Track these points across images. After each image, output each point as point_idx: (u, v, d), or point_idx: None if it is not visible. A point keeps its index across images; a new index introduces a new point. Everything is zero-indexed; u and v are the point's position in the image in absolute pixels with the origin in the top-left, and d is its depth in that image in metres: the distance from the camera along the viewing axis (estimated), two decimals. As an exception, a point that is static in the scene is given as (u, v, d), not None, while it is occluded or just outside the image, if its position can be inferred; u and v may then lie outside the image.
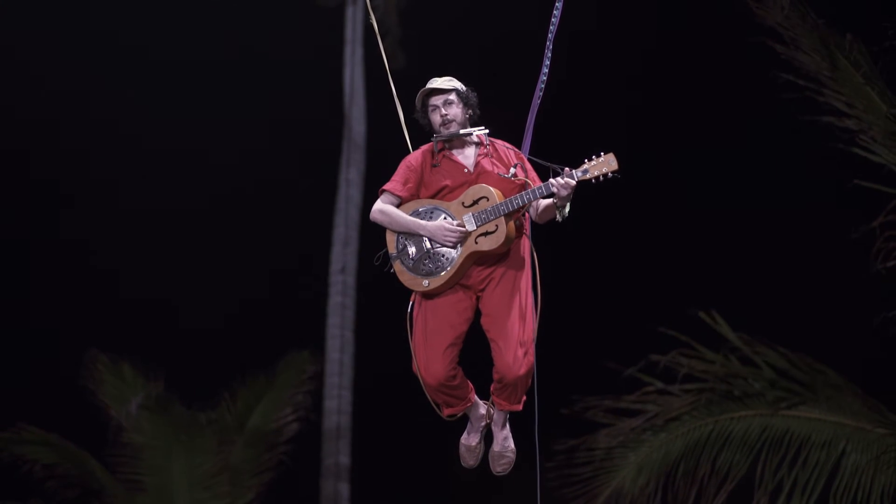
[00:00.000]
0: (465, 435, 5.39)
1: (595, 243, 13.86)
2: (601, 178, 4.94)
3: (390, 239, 5.14)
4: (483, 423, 5.33)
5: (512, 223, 5.02)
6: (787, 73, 8.47)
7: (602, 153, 4.96)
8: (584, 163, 4.96)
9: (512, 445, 5.33)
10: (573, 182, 4.92)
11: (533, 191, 4.97)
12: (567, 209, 5.01)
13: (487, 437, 5.41)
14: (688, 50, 13.51)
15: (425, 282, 5.06)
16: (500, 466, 5.33)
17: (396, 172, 5.20)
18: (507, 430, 5.33)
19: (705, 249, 13.60)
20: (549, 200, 5.05)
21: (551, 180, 4.95)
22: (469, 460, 5.40)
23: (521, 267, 5.12)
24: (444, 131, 5.15)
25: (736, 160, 13.65)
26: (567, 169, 4.96)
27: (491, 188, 5.03)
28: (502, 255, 5.10)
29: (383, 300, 5.45)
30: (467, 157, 5.18)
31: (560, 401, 9.34)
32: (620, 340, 10.61)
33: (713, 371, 8.99)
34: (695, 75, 13.64)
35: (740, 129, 13.25)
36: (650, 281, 13.93)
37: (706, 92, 13.51)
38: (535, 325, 5.08)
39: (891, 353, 9.14)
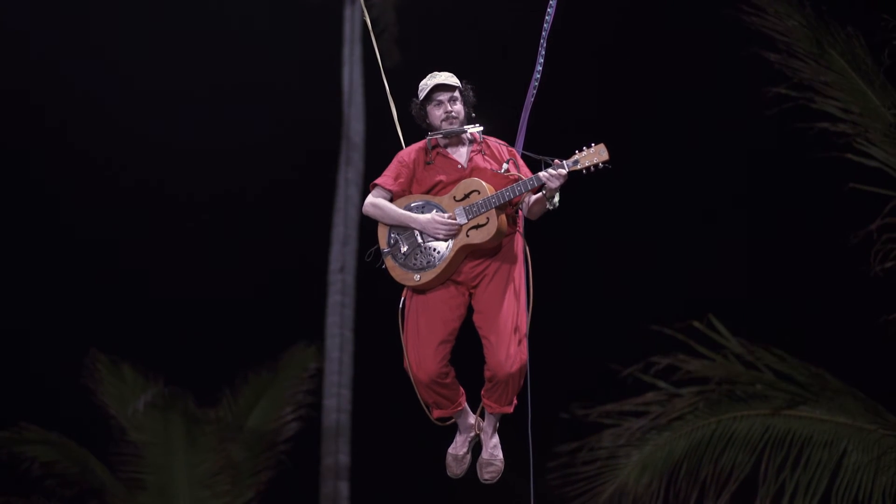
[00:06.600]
0: (453, 444, 5.35)
1: (595, 244, 13.86)
2: (592, 168, 4.91)
3: (381, 234, 5.11)
4: (472, 434, 5.29)
5: (504, 216, 5.00)
6: (781, 82, 8.48)
7: (593, 143, 4.92)
8: (575, 153, 4.92)
9: (500, 455, 5.28)
10: (564, 172, 4.89)
11: (523, 182, 4.94)
12: (557, 199, 4.96)
13: (475, 450, 5.35)
14: (686, 51, 13.51)
15: (417, 276, 5.02)
16: (487, 474, 5.28)
17: (388, 167, 5.19)
18: (497, 439, 5.29)
19: (706, 252, 13.61)
20: (540, 193, 5.01)
21: (541, 172, 4.92)
22: (455, 469, 5.35)
23: (514, 264, 5.09)
24: (445, 126, 5.13)
25: (737, 161, 13.65)
26: (557, 160, 4.93)
27: (482, 182, 5.00)
28: (495, 250, 5.07)
29: (382, 298, 5.44)
30: (461, 153, 5.16)
31: (561, 403, 9.35)
32: (621, 342, 10.61)
33: (714, 372, 9.00)
34: (695, 76, 13.64)
35: (741, 130, 13.24)
36: (651, 282, 13.93)
37: (705, 93, 13.50)
38: (528, 323, 5.04)
39: (889, 355, 9.14)
